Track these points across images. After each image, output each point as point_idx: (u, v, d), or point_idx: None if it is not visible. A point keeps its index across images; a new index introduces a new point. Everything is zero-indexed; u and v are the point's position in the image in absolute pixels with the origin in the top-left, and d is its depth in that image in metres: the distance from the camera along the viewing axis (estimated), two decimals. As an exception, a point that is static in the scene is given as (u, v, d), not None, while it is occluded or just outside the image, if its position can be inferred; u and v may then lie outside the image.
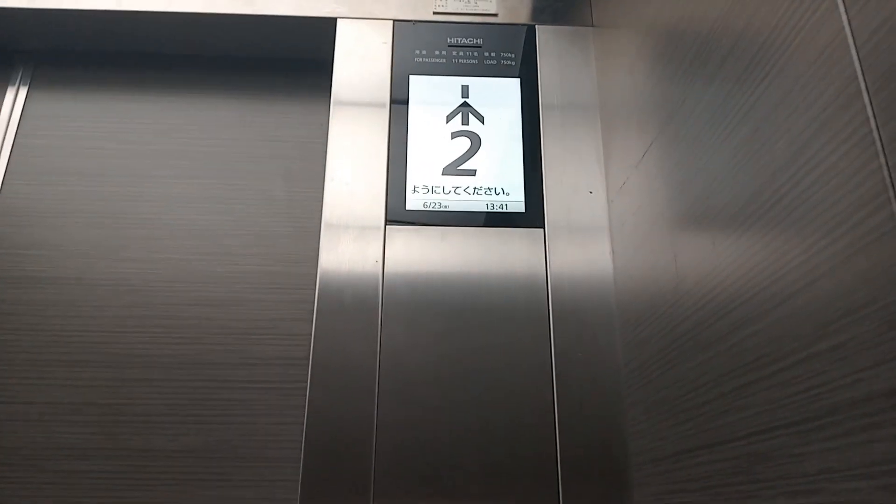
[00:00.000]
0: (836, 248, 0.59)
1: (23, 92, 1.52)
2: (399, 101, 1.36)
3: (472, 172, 1.30)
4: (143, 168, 1.45)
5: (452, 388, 1.16)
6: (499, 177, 1.30)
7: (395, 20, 1.43)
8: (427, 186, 1.29)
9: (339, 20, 1.43)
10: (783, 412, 0.67)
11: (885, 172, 0.54)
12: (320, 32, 1.44)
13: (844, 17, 0.60)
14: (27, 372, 1.29)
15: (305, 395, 1.14)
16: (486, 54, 1.41)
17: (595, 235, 1.26)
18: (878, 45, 0.56)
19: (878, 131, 0.55)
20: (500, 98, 1.37)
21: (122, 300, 1.34)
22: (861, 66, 0.57)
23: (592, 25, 1.44)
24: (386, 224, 1.26)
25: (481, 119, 1.35)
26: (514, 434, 1.14)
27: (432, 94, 1.37)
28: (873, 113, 0.56)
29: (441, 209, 1.27)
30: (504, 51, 1.41)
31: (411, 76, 1.38)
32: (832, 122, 0.61)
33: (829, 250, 0.60)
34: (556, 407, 1.15)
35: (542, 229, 1.26)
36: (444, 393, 1.15)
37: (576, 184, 1.30)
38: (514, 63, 1.40)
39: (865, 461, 0.55)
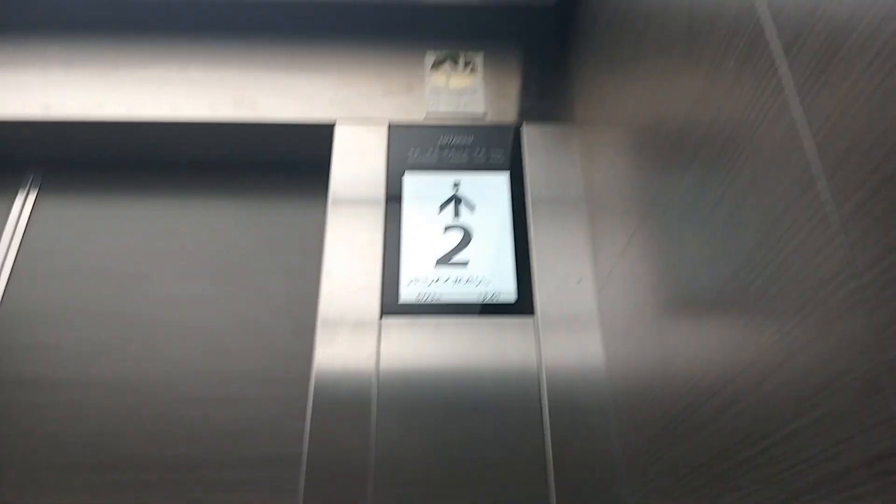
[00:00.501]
0: (807, 324, 0.62)
1: (32, 196, 1.58)
2: (394, 197, 1.41)
3: (465, 264, 1.34)
4: (145, 268, 1.49)
5: (448, 481, 1.14)
6: (490, 267, 1.33)
7: (390, 123, 1.51)
8: (421, 279, 1.32)
9: (336, 124, 1.51)
10: (771, 491, 0.66)
11: (847, 249, 0.57)
12: (319, 136, 1.52)
13: (799, 110, 0.64)
14: (20, 476, 1.28)
15: (299, 495, 1.13)
16: (476, 151, 1.48)
17: (585, 323, 1.28)
18: (832, 132, 0.60)
19: (837, 211, 0.59)
20: (489, 191, 1.42)
21: (119, 400, 1.34)
22: (818, 151, 0.61)
23: (575, 122, 1.52)
24: (381, 316, 1.28)
25: (472, 211, 1.40)
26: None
27: (426, 190, 1.42)
28: (831, 195, 0.59)
29: (435, 301, 1.29)
30: (493, 147, 1.49)
31: (406, 173, 1.44)
32: (794, 205, 0.64)
33: (801, 327, 0.63)
34: (553, 496, 1.13)
35: (532, 317, 1.28)
36: (439, 488, 1.13)
37: (565, 273, 1.33)
38: (502, 158, 1.47)
39: (854, 537, 0.55)
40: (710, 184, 0.84)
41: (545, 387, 1.21)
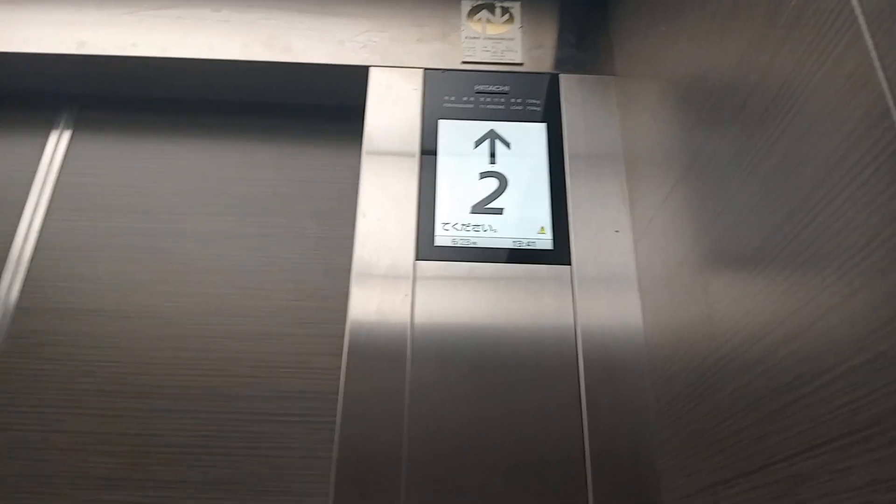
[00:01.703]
0: (872, 259, 0.61)
1: (66, 134, 1.58)
2: (429, 143, 1.41)
3: (500, 211, 1.34)
4: (179, 206, 1.50)
5: (481, 425, 1.16)
6: (526, 215, 1.33)
7: (425, 69, 1.50)
8: (456, 224, 1.32)
9: (371, 68, 1.50)
10: (825, 428, 0.67)
11: (919, 184, 0.57)
12: (353, 80, 1.50)
13: (870, 42, 0.63)
14: (61, 401, 1.31)
15: (334, 429, 1.15)
16: (513, 100, 1.46)
17: (622, 272, 1.28)
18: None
19: (910, 146, 0.58)
20: (526, 140, 1.41)
21: (155, 333, 1.37)
22: (889, 85, 0.60)
23: (614, 75, 1.50)
24: (416, 259, 1.28)
25: (509, 160, 1.39)
26: (544, 475, 1.13)
27: (461, 137, 1.42)
28: (904, 128, 0.59)
29: (470, 246, 1.30)
30: (529, 97, 1.47)
31: (440, 120, 1.44)
32: (862, 141, 0.64)
33: (864, 264, 0.62)
34: (586, 445, 1.15)
35: (569, 266, 1.28)
36: (473, 430, 1.15)
37: (602, 223, 1.33)
38: (539, 108, 1.46)
39: (913, 468, 0.55)
40: (762, 131, 0.83)
41: (580, 335, 1.22)
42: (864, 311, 0.62)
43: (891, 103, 0.60)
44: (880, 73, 0.62)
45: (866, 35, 0.64)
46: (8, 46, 1.49)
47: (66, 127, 1.59)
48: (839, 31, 0.68)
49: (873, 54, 0.63)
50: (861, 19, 0.65)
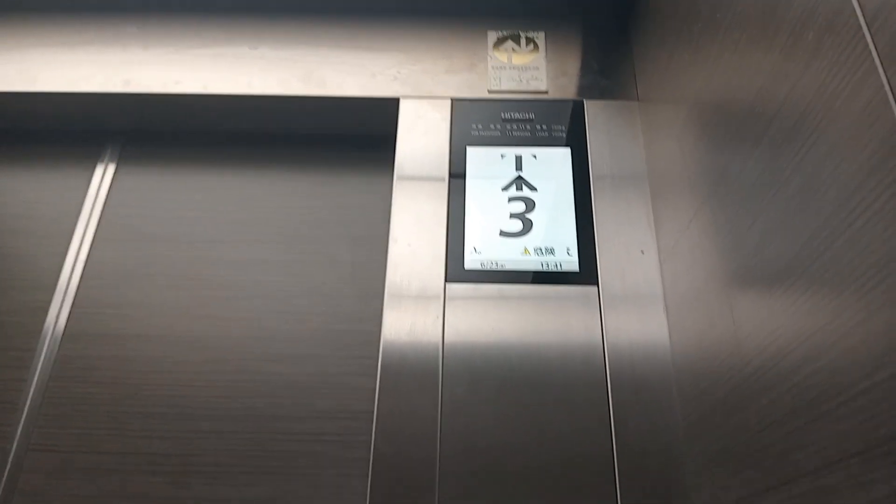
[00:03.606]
0: (890, 281, 0.64)
1: (111, 167, 1.66)
2: (457, 170, 1.46)
3: (528, 234, 1.38)
4: (220, 235, 1.56)
5: (512, 443, 1.19)
6: (553, 238, 1.37)
7: (453, 99, 1.55)
8: (485, 247, 1.36)
9: (401, 100, 1.56)
10: (847, 443, 0.69)
11: (931, 209, 0.60)
12: (384, 111, 1.56)
13: (883, 76, 0.67)
14: (106, 423, 1.37)
15: (369, 448, 1.19)
16: (538, 126, 1.51)
17: (648, 292, 1.31)
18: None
19: (922, 173, 0.61)
20: (552, 165, 1.46)
21: (196, 356, 1.42)
22: (901, 116, 0.64)
23: (638, 100, 1.54)
24: (446, 282, 1.33)
25: (535, 184, 1.44)
26: (574, 492, 1.15)
27: (488, 163, 1.46)
28: (916, 157, 0.62)
29: (499, 269, 1.34)
30: (554, 123, 1.52)
31: (468, 147, 1.49)
32: (878, 169, 0.67)
33: (883, 285, 0.65)
34: (615, 461, 1.17)
35: (595, 286, 1.31)
36: (504, 448, 1.18)
37: (627, 244, 1.36)
38: (564, 134, 1.50)
39: (933, 480, 0.58)
40: (783, 156, 0.86)
41: (608, 354, 1.25)
42: (883, 331, 0.65)
43: (902, 133, 0.63)
44: (893, 105, 0.65)
45: (880, 69, 0.68)
46: (59, 86, 1.58)
47: (112, 160, 1.67)
48: (854, 64, 0.72)
49: (886, 88, 0.66)
50: (874, 54, 0.69)
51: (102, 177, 1.65)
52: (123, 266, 1.53)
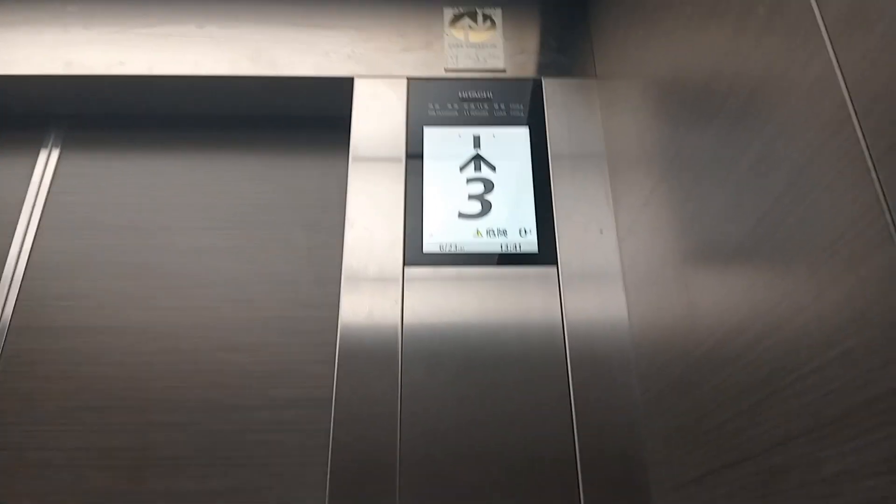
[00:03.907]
0: (838, 259, 0.64)
1: (55, 153, 1.60)
2: (414, 151, 1.43)
3: (486, 215, 1.36)
4: (169, 221, 1.52)
5: (473, 424, 1.18)
6: (512, 219, 1.36)
7: (409, 78, 1.52)
8: (443, 230, 1.34)
9: (356, 79, 1.52)
10: (799, 421, 0.70)
11: (877, 186, 0.59)
12: (338, 91, 1.52)
13: (831, 52, 0.66)
14: (56, 418, 1.33)
15: (328, 436, 1.17)
16: (496, 106, 1.49)
17: (607, 272, 1.31)
18: (864, 74, 0.62)
19: (869, 151, 0.61)
20: (510, 145, 1.44)
21: (148, 347, 1.38)
22: (849, 93, 0.63)
23: (596, 77, 1.52)
24: (404, 265, 1.30)
25: (493, 164, 1.42)
26: (535, 471, 1.15)
27: (446, 144, 1.44)
28: (863, 134, 0.61)
29: (457, 251, 1.32)
30: (513, 102, 1.49)
31: (425, 127, 1.46)
32: (826, 145, 0.66)
33: (831, 262, 0.65)
34: (576, 440, 1.17)
35: (555, 267, 1.31)
36: (465, 429, 1.17)
37: (587, 224, 1.35)
38: (522, 113, 1.48)
39: (882, 457, 0.58)
40: (736, 133, 0.86)
41: (567, 334, 1.25)
42: (833, 309, 0.65)
43: (852, 111, 0.63)
44: (841, 81, 0.64)
45: (828, 44, 0.67)
46: (-5, 68, 1.51)
47: (55, 146, 1.61)
48: (804, 39, 0.71)
49: (835, 63, 0.66)
50: (823, 29, 0.68)
51: (46, 163, 1.58)
52: (70, 256, 1.48)
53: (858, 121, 0.62)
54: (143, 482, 1.27)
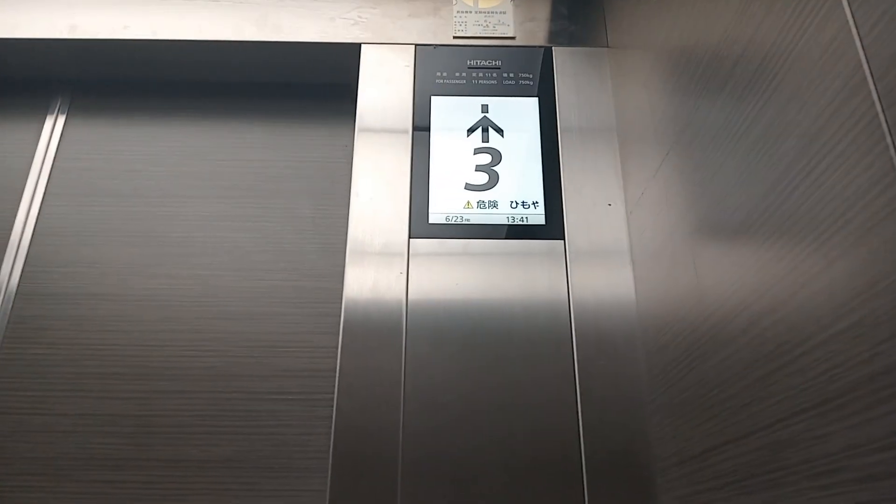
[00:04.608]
0: (849, 229, 0.62)
1: (61, 119, 1.59)
2: (421, 120, 1.40)
3: (494, 187, 1.34)
4: (175, 189, 1.51)
5: (477, 398, 1.17)
6: (519, 191, 1.33)
7: (416, 45, 1.49)
8: (449, 201, 1.32)
9: (363, 46, 1.49)
10: (805, 396, 0.68)
11: (892, 152, 0.57)
12: (345, 58, 1.50)
13: (848, 11, 0.63)
14: (62, 384, 1.33)
15: (332, 406, 1.17)
16: (505, 75, 1.46)
17: (615, 246, 1.28)
18: (881, 34, 0.59)
19: (884, 114, 0.58)
20: (519, 115, 1.41)
21: (154, 315, 1.38)
22: (866, 54, 0.60)
23: (607, 46, 1.49)
24: (409, 237, 1.29)
25: (501, 135, 1.39)
26: (538, 443, 1.15)
27: (454, 113, 1.41)
28: (878, 97, 0.59)
29: (464, 223, 1.30)
30: (522, 71, 1.46)
31: (433, 97, 1.43)
32: (841, 110, 0.64)
33: (841, 233, 0.63)
34: (579, 415, 1.16)
35: (562, 241, 1.29)
36: (469, 403, 1.17)
37: (595, 197, 1.33)
38: (531, 83, 1.45)
39: (888, 432, 0.56)
40: (746, 102, 0.83)
41: (573, 308, 1.23)
42: (842, 281, 0.62)
43: (867, 73, 0.60)
44: (858, 42, 0.61)
45: (845, 4, 0.64)
46: (-2, 32, 1.49)
47: (61, 112, 1.60)
48: (817, 2, 0.68)
49: (851, 23, 0.62)
50: (839, -13, 0.65)
51: (52, 129, 1.57)
52: (76, 223, 1.47)
53: (875, 83, 0.59)
54: (147, 449, 1.28)
